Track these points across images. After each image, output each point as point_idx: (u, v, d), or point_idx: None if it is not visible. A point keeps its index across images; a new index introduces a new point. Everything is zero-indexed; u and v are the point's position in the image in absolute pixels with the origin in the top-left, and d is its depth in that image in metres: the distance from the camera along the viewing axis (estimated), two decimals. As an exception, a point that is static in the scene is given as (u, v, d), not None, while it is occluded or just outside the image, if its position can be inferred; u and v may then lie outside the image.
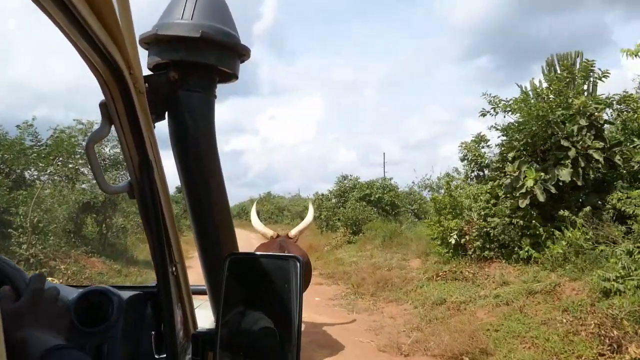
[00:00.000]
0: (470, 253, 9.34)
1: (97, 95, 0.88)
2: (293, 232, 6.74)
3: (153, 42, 1.00)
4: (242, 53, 1.07)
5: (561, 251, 7.62)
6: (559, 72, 10.00)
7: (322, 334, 6.88)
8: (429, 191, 22.06)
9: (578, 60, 10.07)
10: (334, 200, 22.27)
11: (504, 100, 9.72)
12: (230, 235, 1.17)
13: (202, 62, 1.01)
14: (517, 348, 5.54)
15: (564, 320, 5.72)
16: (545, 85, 9.43)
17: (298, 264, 1.10)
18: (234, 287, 1.11)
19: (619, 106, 9.13)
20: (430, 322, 7.07)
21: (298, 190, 51.41)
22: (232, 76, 1.08)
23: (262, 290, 1.18)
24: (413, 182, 23.00)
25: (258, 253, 1.22)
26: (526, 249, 8.40)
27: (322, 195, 23.95)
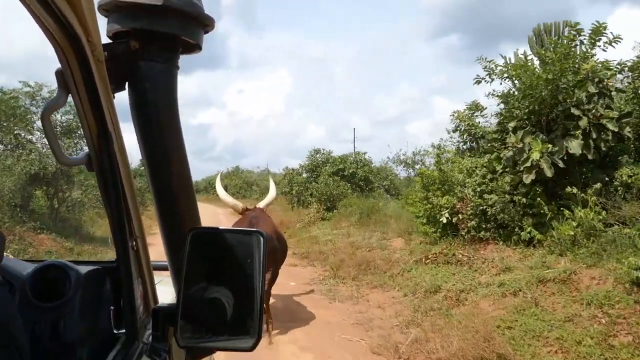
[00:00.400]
0: (464, 234, 8.39)
1: (56, 63, 0.84)
2: (261, 205, 6.57)
3: (113, 9, 0.96)
4: (206, 23, 1.03)
5: (572, 233, 6.73)
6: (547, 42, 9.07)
7: (304, 332, 5.82)
8: (403, 167, 21.78)
9: (567, 30, 9.07)
10: (305, 175, 21.36)
11: (500, 66, 8.69)
12: (193, 209, 1.15)
13: (164, 32, 0.97)
14: (541, 352, 4.59)
15: (595, 317, 4.80)
16: (531, 56, 8.39)
17: (262, 239, 1.10)
18: (196, 262, 1.08)
19: (630, 73, 8.21)
20: (426, 315, 6.10)
21: (267, 164, 49.99)
22: (195, 47, 1.04)
23: (225, 265, 1.15)
24: (388, 158, 22.07)
25: (221, 227, 1.18)
26: (528, 229, 7.48)
27: (293, 169, 23.03)
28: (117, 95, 1.01)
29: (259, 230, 1.12)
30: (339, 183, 18.23)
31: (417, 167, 19.12)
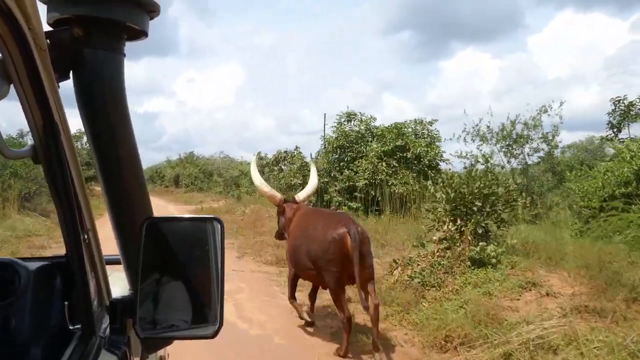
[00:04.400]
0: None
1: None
2: (301, 196, 6.00)
3: None
4: (152, 9, 1.01)
5: None
6: None
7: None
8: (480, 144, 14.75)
9: None
10: (330, 157, 15.73)
11: None
12: (145, 199, 1.15)
13: (108, 18, 0.96)
14: None
15: None
16: None
17: (219, 225, 1.12)
18: (152, 252, 1.08)
19: None
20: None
21: (222, 152, 46.78)
22: (141, 33, 1.03)
23: (181, 254, 1.15)
24: (461, 134, 14.75)
25: (176, 216, 1.34)
26: None
27: (317, 155, 16.89)
28: (62, 84, 0.98)
29: (215, 217, 1.15)
30: (400, 170, 13.66)
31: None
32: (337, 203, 14.93)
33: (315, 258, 4.74)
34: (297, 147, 23.20)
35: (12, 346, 1.05)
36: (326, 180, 15.02)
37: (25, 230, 13.79)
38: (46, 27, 0.89)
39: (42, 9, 0.88)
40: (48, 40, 0.88)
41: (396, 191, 13.46)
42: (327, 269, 4.64)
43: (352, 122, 15.60)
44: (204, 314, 1.10)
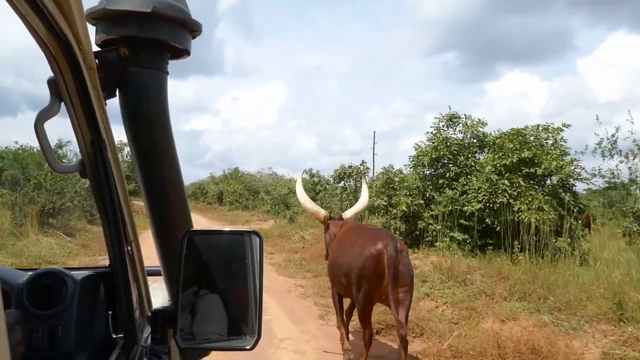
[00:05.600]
0: None
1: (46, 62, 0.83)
2: (348, 214, 5.80)
3: (101, 17, 0.98)
4: (194, 29, 1.05)
5: None
6: None
7: None
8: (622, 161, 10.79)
9: None
10: (421, 172, 12.27)
11: None
12: (185, 212, 1.19)
13: (153, 38, 1.00)
14: None
15: None
16: None
17: (258, 239, 1.11)
18: (193, 264, 1.10)
19: None
20: None
21: (270, 168, 43.90)
22: (183, 52, 1.07)
23: (221, 267, 1.17)
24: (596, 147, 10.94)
25: (215, 229, 1.28)
26: None
27: (391, 169, 12.86)
28: (108, 101, 1.01)
29: (254, 231, 1.15)
30: (528, 191, 10.02)
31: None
32: (435, 233, 11.32)
33: (350, 273, 4.59)
34: (363, 162, 19.85)
35: (59, 354, 1.05)
36: (420, 202, 11.44)
37: (35, 257, 10.82)
38: (95, 48, 0.93)
39: (91, 30, 0.92)
40: (96, 60, 0.94)
41: (525, 219, 9.78)
42: (359, 284, 4.47)
43: (455, 127, 12.01)
44: (241, 327, 1.09)
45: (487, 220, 10.44)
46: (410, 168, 12.82)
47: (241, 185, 39.20)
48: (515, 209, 9.97)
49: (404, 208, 11.11)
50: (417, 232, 11.47)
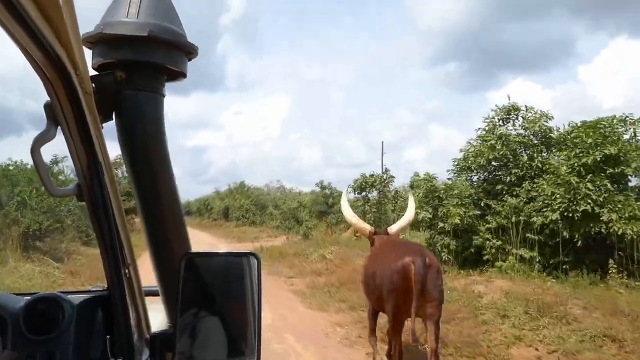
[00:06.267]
0: None
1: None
2: (394, 229, 5.68)
3: (98, 41, 0.99)
4: (190, 51, 1.06)
5: None
6: None
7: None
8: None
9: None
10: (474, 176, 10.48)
11: None
12: (183, 234, 1.17)
13: (150, 61, 1.00)
14: None
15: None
16: None
17: (255, 261, 1.11)
18: (191, 287, 1.10)
19: None
20: None
21: (278, 181, 41.73)
22: (180, 74, 1.07)
23: (219, 289, 1.18)
24: None
25: (213, 251, 1.42)
26: None
27: (428, 175, 10.65)
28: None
29: (252, 252, 1.15)
30: (615, 196, 8.09)
31: None
32: (494, 250, 9.27)
33: (381, 286, 4.60)
34: (386, 170, 17.87)
35: None
36: (475, 213, 9.39)
37: (6, 289, 8.81)
38: (91, 72, 0.94)
39: (88, 53, 0.95)
40: (93, 84, 0.93)
41: (618, 231, 7.75)
42: (388, 297, 4.48)
43: (513, 122, 9.98)
44: (240, 348, 1.11)
45: (564, 233, 8.39)
46: (455, 173, 10.80)
47: (248, 200, 37.22)
48: (605, 218, 7.91)
49: (457, 220, 9.06)
50: (472, 250, 9.42)
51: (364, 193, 18.23)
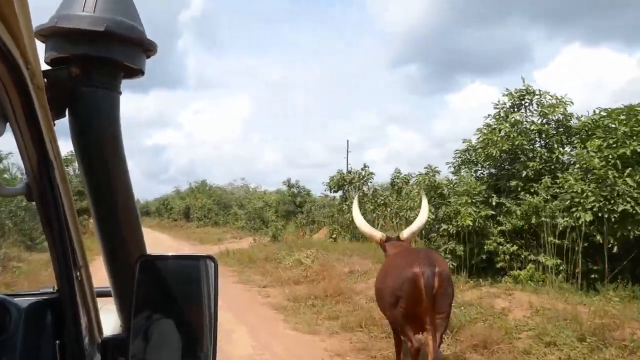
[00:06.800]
0: None
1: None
2: (405, 234, 5.44)
3: (52, 34, 0.94)
4: (149, 48, 1.02)
5: None
6: None
7: None
8: None
9: None
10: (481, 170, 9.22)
11: None
12: (138, 236, 1.13)
13: (106, 57, 0.95)
14: None
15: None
16: None
17: (213, 264, 1.09)
18: (145, 290, 1.05)
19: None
20: None
21: (243, 179, 39.69)
22: (137, 72, 1.03)
23: (174, 292, 1.12)
24: None
25: (170, 254, 1.18)
26: None
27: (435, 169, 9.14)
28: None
29: (209, 255, 1.11)
30: None
31: None
32: (508, 257, 7.95)
33: (391, 295, 4.51)
34: (365, 165, 16.47)
35: None
36: (489, 213, 8.02)
37: None
38: (44, 66, 0.90)
39: (40, 47, 0.90)
40: (45, 79, 0.89)
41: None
42: (395, 306, 4.41)
43: (526, 108, 8.66)
44: (196, 353, 1.06)
45: (597, 237, 7.12)
46: (455, 167, 9.42)
47: (210, 200, 35.33)
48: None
49: (469, 222, 7.67)
50: (483, 256, 8.06)
51: (340, 191, 16.81)
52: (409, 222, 13.32)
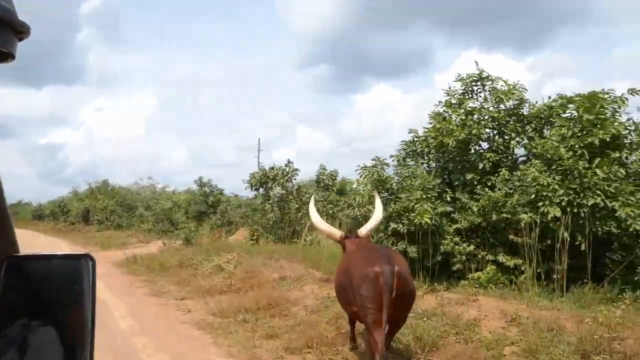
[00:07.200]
0: None
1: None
2: (363, 231, 5.40)
3: None
4: (20, 30, 0.89)
5: None
6: None
7: None
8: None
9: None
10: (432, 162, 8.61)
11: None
12: (8, 234, 1.03)
13: None
14: None
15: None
16: None
17: (90, 263, 1.02)
18: (15, 294, 0.96)
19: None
20: None
21: (150, 178, 36.82)
22: (7, 55, 0.90)
23: (51, 295, 1.02)
24: None
25: (43, 253, 1.08)
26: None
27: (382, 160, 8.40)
28: None
29: (87, 254, 1.05)
30: (625, 186, 6.57)
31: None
32: (464, 257, 7.19)
33: (353, 296, 4.51)
34: (289, 161, 15.36)
35: None
36: (446, 209, 7.20)
37: None
38: None
39: None
40: None
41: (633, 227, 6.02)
42: (364, 307, 4.35)
43: (478, 95, 7.95)
44: (75, 358, 0.98)
45: (561, 233, 6.50)
46: (399, 160, 8.52)
47: (112, 201, 32.47)
48: (622, 214, 6.11)
49: (427, 220, 6.78)
50: (440, 258, 7.22)
51: (260, 189, 15.55)
52: (343, 222, 12.27)
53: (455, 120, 7.41)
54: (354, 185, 8.05)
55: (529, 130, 7.61)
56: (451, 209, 7.19)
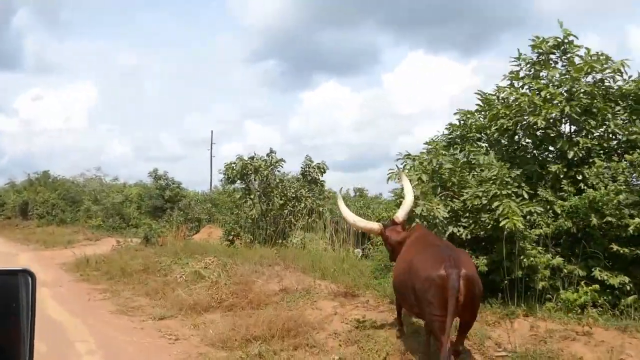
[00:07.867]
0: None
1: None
2: (400, 216, 5.28)
3: None
4: None
5: None
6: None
7: None
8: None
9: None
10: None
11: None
12: None
13: None
14: None
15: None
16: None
17: (30, 279, 1.02)
18: None
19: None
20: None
21: (99, 168, 33.48)
22: None
23: None
24: None
25: None
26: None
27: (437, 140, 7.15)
28: None
29: (26, 269, 1.03)
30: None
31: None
32: (547, 274, 5.55)
33: (416, 299, 4.30)
34: (271, 150, 13.40)
35: None
36: (537, 210, 5.52)
37: None
38: None
39: None
40: None
41: None
42: (429, 314, 4.15)
43: (557, 64, 6.31)
44: None
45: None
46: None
47: (54, 193, 29.36)
48: None
49: (518, 223, 5.08)
50: (520, 273, 5.53)
51: (238, 182, 13.50)
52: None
53: (540, 95, 5.71)
54: (395, 180, 6.23)
55: (619, 111, 6.04)
56: (541, 209, 5.50)
